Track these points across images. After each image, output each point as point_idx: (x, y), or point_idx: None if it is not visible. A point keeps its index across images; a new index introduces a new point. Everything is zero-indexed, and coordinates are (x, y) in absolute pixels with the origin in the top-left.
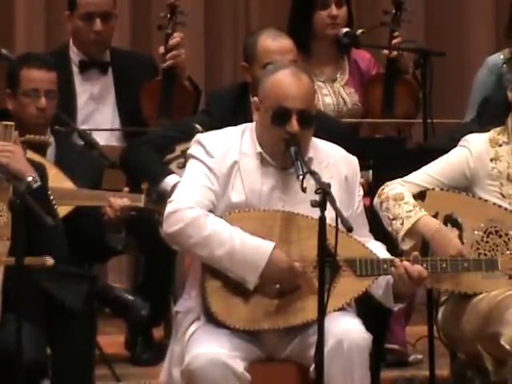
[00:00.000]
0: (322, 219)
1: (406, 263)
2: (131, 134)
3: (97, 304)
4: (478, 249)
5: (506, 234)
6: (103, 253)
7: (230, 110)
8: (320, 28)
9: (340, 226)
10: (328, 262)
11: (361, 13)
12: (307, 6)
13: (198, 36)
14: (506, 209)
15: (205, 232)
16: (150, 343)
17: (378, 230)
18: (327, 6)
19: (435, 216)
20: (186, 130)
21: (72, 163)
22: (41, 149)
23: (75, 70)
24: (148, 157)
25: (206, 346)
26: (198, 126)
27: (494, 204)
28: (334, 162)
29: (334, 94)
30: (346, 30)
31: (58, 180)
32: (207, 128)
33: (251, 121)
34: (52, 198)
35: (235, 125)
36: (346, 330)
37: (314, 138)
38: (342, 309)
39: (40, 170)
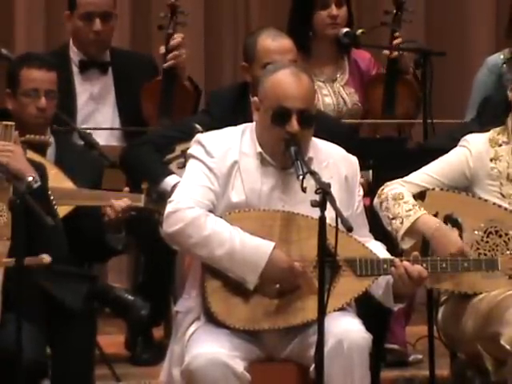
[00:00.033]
0: (322, 219)
1: (405, 263)
2: (131, 134)
3: (97, 304)
4: (478, 249)
5: (506, 234)
6: (103, 253)
7: (230, 109)
8: (320, 28)
9: (340, 226)
10: (328, 262)
11: (361, 13)
12: (307, 6)
13: (198, 36)
14: (505, 209)
15: (205, 232)
16: (150, 343)
17: (378, 229)
18: (327, 6)
19: (435, 216)
20: (186, 130)
21: (72, 163)
22: (41, 149)
23: (75, 69)
24: (148, 157)
25: (206, 346)
26: (198, 126)
27: (494, 204)
28: (333, 161)
29: (333, 94)
30: (346, 29)
31: (58, 180)
32: (207, 128)
33: (251, 121)
34: (52, 198)
35: (235, 125)
36: (346, 329)
37: (314, 138)
38: (342, 309)
39: (40, 170)
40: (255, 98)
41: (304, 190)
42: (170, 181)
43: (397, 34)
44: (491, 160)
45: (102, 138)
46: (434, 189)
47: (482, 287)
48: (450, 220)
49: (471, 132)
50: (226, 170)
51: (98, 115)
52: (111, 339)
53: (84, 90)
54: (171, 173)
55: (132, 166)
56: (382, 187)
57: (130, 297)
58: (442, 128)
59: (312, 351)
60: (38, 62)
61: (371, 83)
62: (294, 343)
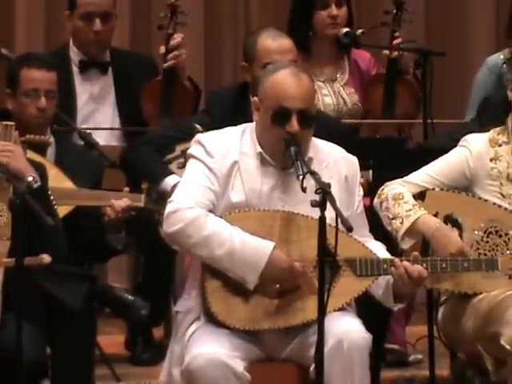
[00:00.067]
0: (322, 219)
1: (405, 263)
2: (131, 134)
3: (97, 304)
4: (478, 249)
5: (506, 234)
6: (103, 253)
7: (229, 109)
8: (320, 28)
9: (340, 226)
10: (328, 262)
11: (361, 13)
12: (307, 6)
13: (198, 36)
14: (505, 209)
15: (205, 232)
16: (150, 343)
17: (378, 229)
18: (327, 6)
19: (435, 216)
20: (186, 130)
21: (72, 163)
22: (41, 149)
23: (75, 69)
24: (148, 157)
25: (206, 346)
26: (198, 126)
27: (494, 204)
28: (333, 161)
29: (333, 94)
30: (346, 29)
31: (58, 180)
32: (207, 128)
33: (251, 121)
34: (52, 198)
35: (235, 125)
36: (346, 329)
37: (314, 138)
38: (341, 309)
39: (40, 170)
40: (255, 98)
41: (304, 190)
42: (169, 181)
43: (397, 34)
44: (491, 160)
45: (102, 138)
46: (434, 189)
47: (482, 287)
48: (450, 220)
49: (471, 132)
50: (225, 170)
51: (98, 115)
52: (111, 339)
53: (84, 90)
54: (171, 173)
55: (132, 166)
56: (382, 187)
57: (129, 297)
58: (442, 128)
59: (312, 351)
60: (38, 61)
61: (371, 83)
62: (294, 343)
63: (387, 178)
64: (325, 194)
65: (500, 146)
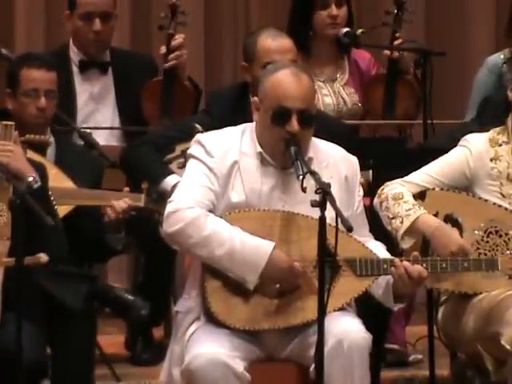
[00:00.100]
0: (322, 219)
1: (405, 263)
2: (131, 134)
3: (97, 304)
4: (478, 248)
5: (506, 234)
6: (103, 253)
7: (230, 109)
8: (320, 28)
9: (340, 226)
10: (328, 262)
11: (361, 13)
12: (307, 6)
13: (198, 36)
14: (506, 209)
15: (205, 232)
16: (149, 343)
17: (378, 229)
18: (327, 6)
19: (435, 216)
20: (186, 130)
21: (72, 163)
22: (41, 148)
23: (75, 69)
24: (148, 157)
25: (206, 346)
26: (198, 126)
27: (494, 204)
28: (333, 161)
29: (333, 94)
30: (346, 29)
31: (58, 180)
32: (207, 128)
33: (251, 121)
34: (52, 198)
35: (235, 125)
36: (346, 329)
37: (314, 138)
38: (341, 309)
39: (40, 170)
40: (255, 98)
41: (304, 189)
42: (170, 181)
43: (397, 34)
44: (491, 160)
45: (102, 138)
46: (434, 188)
47: (482, 287)
48: (450, 220)
49: (471, 132)
50: (225, 170)
51: (98, 115)
52: (111, 339)
53: (84, 90)
54: (171, 172)
55: (132, 165)
56: (382, 187)
57: (130, 297)
58: (442, 128)
59: (312, 351)
60: (38, 61)
61: (371, 83)
62: (294, 343)
63: (387, 177)
64: (325, 194)
65: (500, 145)
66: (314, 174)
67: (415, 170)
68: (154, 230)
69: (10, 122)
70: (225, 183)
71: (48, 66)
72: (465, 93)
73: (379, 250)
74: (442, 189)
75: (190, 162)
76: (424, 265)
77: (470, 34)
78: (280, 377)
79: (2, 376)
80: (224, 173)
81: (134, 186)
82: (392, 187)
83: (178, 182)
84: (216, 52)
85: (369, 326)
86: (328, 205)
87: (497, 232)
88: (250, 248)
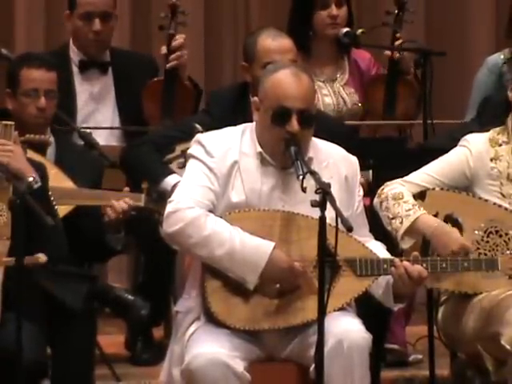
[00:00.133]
0: (322, 219)
1: (405, 263)
2: (131, 134)
3: (97, 304)
4: (478, 248)
5: (506, 234)
6: (103, 253)
7: (229, 109)
8: (320, 28)
9: (340, 226)
10: (328, 262)
11: (361, 12)
12: (307, 6)
13: (198, 36)
14: (506, 209)
15: (205, 232)
16: (149, 343)
17: (378, 229)
18: (327, 6)
19: (435, 216)
20: (186, 130)
21: (72, 163)
22: (41, 148)
23: (75, 69)
24: (148, 157)
25: (206, 346)
26: (198, 126)
27: (494, 204)
28: (334, 161)
29: (333, 94)
30: (346, 29)
31: (58, 179)
32: (207, 128)
33: (251, 121)
34: (52, 198)
35: (235, 125)
36: (346, 329)
37: (314, 138)
38: (342, 309)
39: (40, 170)
40: (255, 98)
41: (304, 189)
42: (170, 180)
43: (398, 34)
44: (491, 160)
45: (102, 138)
46: (434, 188)
47: (482, 287)
48: (450, 220)
49: (471, 132)
50: (225, 170)
51: (98, 115)
52: (111, 339)
53: (84, 90)
54: (171, 172)
55: (132, 165)
56: (382, 187)
57: (130, 297)
58: (442, 128)
59: (312, 351)
60: (38, 61)
61: (371, 83)
62: (294, 343)
63: (387, 177)
64: (325, 194)
65: (500, 145)
66: (314, 173)
67: (415, 170)
68: (154, 229)
69: (9, 122)
70: (225, 183)
71: (48, 65)
72: (465, 93)
73: (379, 250)
74: (442, 189)
75: (190, 162)
76: (424, 265)
77: (470, 34)
78: (280, 377)
79: (2, 376)
80: (224, 173)
81: (133, 186)
82: (392, 187)
83: (178, 182)
84: (216, 52)
85: (369, 326)
86: (328, 205)
87: (497, 232)
88: (250, 248)
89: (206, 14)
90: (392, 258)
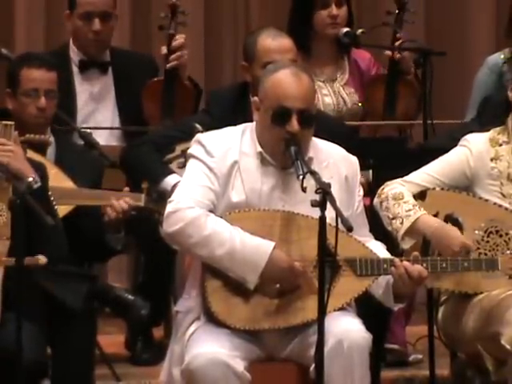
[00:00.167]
0: (322, 219)
1: (406, 263)
2: (131, 134)
3: (97, 304)
4: (478, 248)
5: (507, 234)
6: (103, 253)
7: (229, 109)
8: (320, 28)
9: (340, 226)
10: (328, 262)
11: (361, 12)
12: (307, 6)
13: (198, 36)
14: (506, 208)
15: (205, 232)
16: (150, 343)
17: (378, 229)
18: (327, 6)
19: (436, 215)
20: (186, 130)
21: (72, 163)
22: (41, 148)
23: (75, 69)
24: (148, 156)
25: (206, 346)
26: (198, 126)
27: (495, 204)
28: (334, 161)
29: (333, 94)
30: (346, 29)
31: (58, 179)
32: (207, 128)
33: (251, 120)
34: (52, 198)
35: (235, 124)
36: (346, 329)
37: (314, 138)
38: (342, 308)
39: (40, 170)
40: (255, 98)
41: (304, 189)
42: (170, 180)
43: (398, 35)
44: (492, 160)
45: (102, 138)
46: (434, 188)
47: (483, 287)
48: (450, 219)
49: (471, 132)
50: (226, 170)
51: (98, 115)
52: (111, 339)
53: (84, 90)
54: (171, 172)
55: (132, 165)
56: (383, 187)
57: (130, 296)
58: (442, 128)
59: (312, 351)
60: (38, 61)
61: (372, 83)
62: (294, 343)
63: (387, 177)
64: (325, 194)
65: (500, 145)
66: (314, 173)
67: (415, 169)
68: (154, 229)
69: (9, 122)
70: (225, 183)
71: (48, 65)
72: (465, 93)
73: (379, 250)
74: (442, 188)
75: (190, 162)
76: (424, 264)
77: (470, 34)
78: (280, 376)
79: (2, 376)
80: (224, 172)
81: (133, 186)
82: (392, 187)
83: (178, 182)
84: (216, 52)
85: (369, 326)
86: (328, 205)
87: (497, 232)
88: (251, 248)
89: (206, 13)
90: (392, 257)
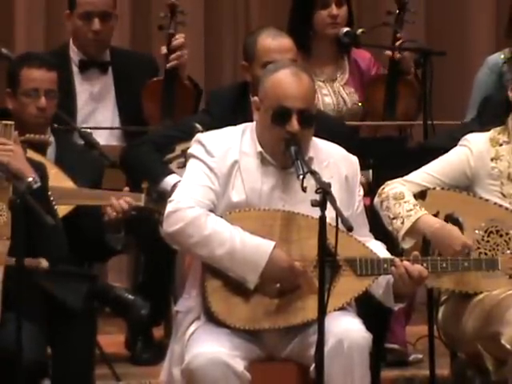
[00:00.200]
0: (323, 219)
1: (406, 263)
2: (131, 134)
3: (97, 303)
4: (478, 248)
5: (507, 234)
6: (103, 252)
7: (230, 109)
8: (320, 27)
9: (340, 226)
10: (328, 262)
11: (361, 12)
12: (307, 6)
13: (198, 36)
14: (506, 208)
15: (205, 231)
16: (150, 343)
17: (379, 229)
18: (327, 6)
19: (436, 215)
20: (187, 130)
21: (72, 163)
22: (41, 148)
23: (75, 69)
24: (148, 156)
25: (206, 346)
26: (198, 126)
27: (495, 203)
28: (334, 161)
29: (333, 94)
30: (346, 29)
31: (58, 179)
32: (207, 127)
33: (251, 120)
34: (52, 198)
35: (235, 124)
36: (347, 329)
37: (314, 138)
38: (342, 308)
39: (40, 170)
40: (255, 98)
41: (304, 189)
42: (170, 180)
43: (399, 35)
44: (492, 159)
45: (102, 138)
46: (434, 188)
47: (483, 287)
48: (450, 219)
49: (471, 131)
50: (226, 170)
51: (98, 115)
52: (111, 339)
53: (84, 90)
54: (171, 172)
55: (132, 165)
56: (383, 186)
57: (130, 296)
58: (443, 129)
59: (312, 351)
60: (38, 61)
61: (372, 84)
62: (295, 343)
63: (387, 177)
64: (325, 194)
65: (501, 145)
66: (314, 173)
67: (415, 169)
68: (154, 229)
69: (9, 122)
70: (225, 183)
71: (48, 65)
72: (465, 93)
73: (379, 250)
74: (442, 188)
75: (191, 162)
76: (424, 264)
77: (470, 34)
78: (280, 376)
79: (2, 376)
80: (224, 172)
81: (133, 186)
82: (392, 186)
83: (178, 182)
84: (216, 52)
85: (369, 326)
86: (328, 204)
87: (497, 231)
88: (251, 247)
89: (206, 13)
90: (392, 257)
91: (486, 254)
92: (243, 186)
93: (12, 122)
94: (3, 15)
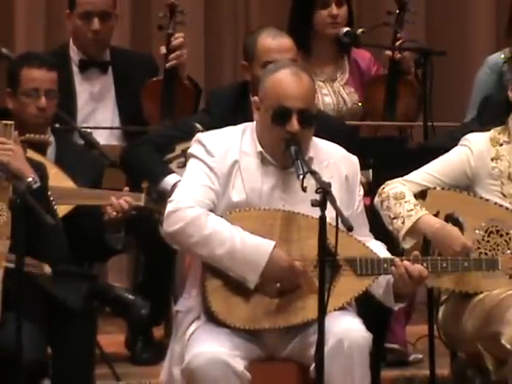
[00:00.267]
0: (323, 218)
1: (406, 263)
2: (131, 134)
3: (97, 303)
4: (478, 248)
5: (507, 234)
6: (103, 252)
7: (230, 109)
8: (320, 27)
9: (340, 226)
10: (328, 262)
11: (361, 12)
12: (307, 6)
13: (197, 36)
14: (507, 208)
15: (205, 231)
16: (150, 342)
17: (379, 229)
18: (328, 6)
19: (436, 215)
20: (187, 130)
21: (72, 162)
22: (41, 148)
23: (75, 69)
24: (148, 156)
25: (207, 345)
26: (198, 126)
27: (495, 203)
28: (334, 161)
29: (333, 94)
30: (346, 29)
31: (58, 179)
32: (207, 127)
33: (251, 120)
34: (52, 198)
35: (235, 124)
36: (347, 329)
37: (314, 138)
38: (342, 308)
39: (40, 170)
40: (255, 98)
41: (304, 189)
42: (170, 180)
43: (399, 35)
44: (492, 159)
45: (102, 138)
46: (435, 188)
47: (483, 287)
48: (451, 219)
49: (472, 131)
50: (226, 170)
51: (98, 115)
52: (111, 338)
53: (84, 90)
54: (171, 172)
55: (132, 165)
56: (383, 186)
57: (130, 296)
58: (443, 129)
59: (312, 350)
60: (39, 61)
61: (372, 84)
62: (295, 342)
63: (387, 177)
64: (325, 194)
65: (501, 145)
66: (314, 173)
67: (415, 169)
68: (154, 229)
69: (9, 122)
70: (225, 182)
71: (48, 65)
72: (465, 93)
73: (379, 250)
74: (442, 188)
75: (191, 162)
76: (424, 264)
77: (471, 34)
78: (280, 376)
79: (2, 376)
80: (224, 172)
81: (133, 186)
82: (393, 186)
83: (178, 182)
84: (216, 52)
85: (369, 326)
86: (328, 204)
87: (498, 231)
88: (251, 247)
89: (206, 13)
90: (392, 257)
91: (486, 253)
92: (243, 185)
93: (12, 122)
94: (3, 15)
